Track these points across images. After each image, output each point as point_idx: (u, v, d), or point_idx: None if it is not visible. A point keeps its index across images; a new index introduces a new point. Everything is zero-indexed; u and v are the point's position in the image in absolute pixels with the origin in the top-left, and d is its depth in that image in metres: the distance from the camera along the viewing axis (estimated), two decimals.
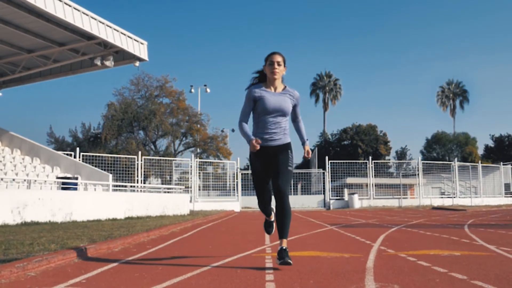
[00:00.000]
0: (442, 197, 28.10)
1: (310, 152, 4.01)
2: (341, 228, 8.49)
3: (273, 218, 4.20)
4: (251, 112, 3.93)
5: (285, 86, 3.98)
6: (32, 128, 63.88)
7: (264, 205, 4.07)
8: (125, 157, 22.99)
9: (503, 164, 32.27)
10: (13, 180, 13.10)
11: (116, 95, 35.48)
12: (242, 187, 24.60)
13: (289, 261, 3.50)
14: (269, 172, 3.86)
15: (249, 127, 3.92)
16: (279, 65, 3.89)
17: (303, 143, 4.07)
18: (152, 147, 35.97)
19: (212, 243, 5.84)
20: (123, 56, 15.49)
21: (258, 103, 3.86)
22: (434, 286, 2.82)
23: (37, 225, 8.68)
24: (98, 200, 11.94)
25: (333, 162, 26.13)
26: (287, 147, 3.89)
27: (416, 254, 4.38)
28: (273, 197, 3.89)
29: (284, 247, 3.60)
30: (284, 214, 3.65)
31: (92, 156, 19.90)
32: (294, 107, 3.99)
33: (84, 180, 14.62)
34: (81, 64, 16.36)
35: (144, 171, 21.86)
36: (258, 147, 3.66)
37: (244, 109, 3.92)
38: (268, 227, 4.34)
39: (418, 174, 27.36)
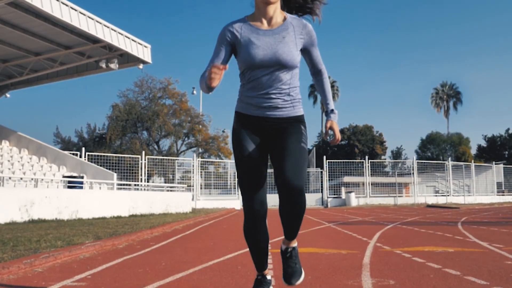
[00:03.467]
0: (436, 196, 28.09)
1: (337, 132, 2.26)
2: (338, 226, 8.48)
3: (269, 276, 2.47)
4: (228, 60, 2.24)
5: (285, 16, 2.22)
6: (39, 128, 63.97)
7: (254, 223, 2.36)
8: (129, 157, 22.99)
9: (495, 164, 32.27)
10: (21, 179, 13.10)
11: (120, 96, 35.55)
12: None
13: (298, 280, 2.28)
14: (265, 160, 2.28)
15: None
16: None
17: (326, 113, 2.33)
18: (155, 147, 35.98)
19: (214, 240, 5.83)
20: (127, 59, 15.49)
21: (239, 50, 2.17)
22: (428, 282, 2.82)
23: (44, 223, 8.68)
24: (103, 198, 11.93)
25: (331, 162, 26.13)
26: (297, 120, 2.23)
27: (411, 251, 4.38)
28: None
29: (293, 246, 2.35)
30: (296, 212, 2.15)
31: (97, 155, 19.89)
32: (307, 49, 2.25)
33: (90, 179, 14.62)
34: (87, 67, 16.37)
35: (147, 170, 21.85)
36: (220, 70, 2.01)
37: (211, 58, 2.22)
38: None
39: (413, 173, 27.35)
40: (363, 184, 26.54)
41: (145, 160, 21.17)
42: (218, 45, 2.22)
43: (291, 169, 2.09)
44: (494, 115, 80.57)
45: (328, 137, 2.30)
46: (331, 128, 2.26)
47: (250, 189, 2.23)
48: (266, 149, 2.26)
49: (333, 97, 54.03)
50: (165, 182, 24.07)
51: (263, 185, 2.27)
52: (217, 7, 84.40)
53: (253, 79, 2.19)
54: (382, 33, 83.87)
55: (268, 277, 2.42)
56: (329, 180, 25.95)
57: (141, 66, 15.51)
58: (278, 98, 2.19)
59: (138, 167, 21.14)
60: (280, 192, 2.11)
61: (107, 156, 20.54)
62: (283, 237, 2.39)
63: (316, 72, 2.34)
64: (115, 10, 76.29)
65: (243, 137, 2.23)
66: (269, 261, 3.76)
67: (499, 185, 31.67)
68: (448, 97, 55.97)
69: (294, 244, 2.36)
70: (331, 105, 2.32)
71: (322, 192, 25.90)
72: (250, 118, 2.24)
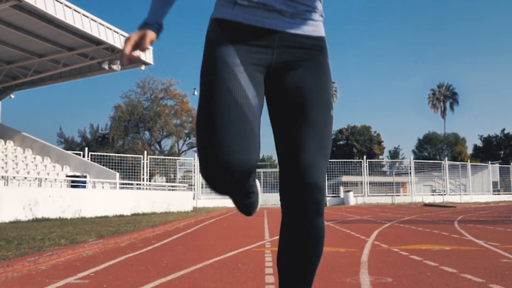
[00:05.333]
0: (433, 195, 28.10)
1: None
2: (337, 224, 8.48)
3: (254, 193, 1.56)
4: None
5: None
6: (43, 128, 63.98)
7: (222, 167, 1.11)
8: (132, 157, 23.00)
9: (491, 163, 32.27)
10: (25, 178, 13.10)
11: (123, 97, 35.67)
12: None
13: None
14: (259, 111, 1.23)
15: None
16: None
17: None
18: (157, 147, 36.01)
19: (214, 238, 5.83)
20: None
21: None
22: (425, 279, 2.82)
23: (48, 221, 8.68)
24: (106, 198, 11.93)
25: (329, 161, 26.05)
26: (322, 49, 1.32)
27: (409, 249, 4.38)
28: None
29: None
30: (314, 233, 1.23)
31: (100, 155, 19.89)
32: None
33: (93, 179, 14.62)
34: (90, 68, 16.37)
35: (149, 170, 21.86)
36: (129, 55, 1.23)
37: None
38: (245, 206, 1.60)
39: (410, 173, 27.34)
40: (361, 183, 26.54)
41: (147, 160, 21.18)
42: None
43: (314, 156, 1.20)
44: (490, 116, 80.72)
45: None
46: None
47: (225, 138, 1.11)
48: (263, 98, 1.27)
49: (332, 97, 53.98)
50: (167, 182, 24.07)
51: (254, 139, 1.16)
52: None
53: None
54: (380, 34, 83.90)
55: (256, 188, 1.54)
56: (327, 179, 25.96)
57: (143, 67, 15.52)
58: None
59: (140, 166, 21.14)
60: (290, 192, 1.20)
61: (109, 156, 20.54)
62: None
63: None
64: (117, 12, 76.30)
65: (229, 53, 1.20)
66: (268, 258, 3.77)
67: (494, 184, 31.67)
68: (445, 97, 56.00)
69: None
70: None
71: None
72: (243, 30, 1.23)
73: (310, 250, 1.25)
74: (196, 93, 36.71)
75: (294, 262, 1.26)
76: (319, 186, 1.19)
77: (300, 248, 1.24)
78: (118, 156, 21.56)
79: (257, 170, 28.32)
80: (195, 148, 36.41)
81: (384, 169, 35.22)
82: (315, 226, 1.22)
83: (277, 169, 27.08)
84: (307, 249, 1.24)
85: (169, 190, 17.48)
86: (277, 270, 1.33)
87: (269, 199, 24.39)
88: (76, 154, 18.12)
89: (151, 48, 15.36)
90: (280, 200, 1.24)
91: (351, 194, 25.31)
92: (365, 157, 28.44)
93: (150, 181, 22.84)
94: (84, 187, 12.77)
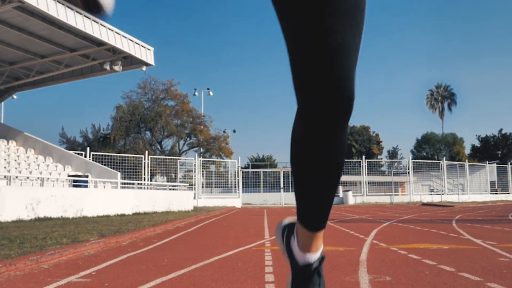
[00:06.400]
0: (431, 194, 28.10)
1: None
2: (336, 223, 8.48)
3: None
4: None
5: None
6: (45, 129, 64.05)
7: None
8: (133, 156, 23.00)
9: (488, 163, 32.28)
10: (27, 178, 13.10)
11: (124, 98, 35.70)
12: (243, 185, 24.58)
13: None
14: None
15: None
16: None
17: None
18: (158, 147, 36.01)
19: (215, 237, 5.83)
20: (131, 61, 15.50)
21: None
22: (424, 278, 2.82)
23: (50, 221, 8.68)
24: (107, 197, 11.93)
25: None
26: None
27: (407, 248, 4.38)
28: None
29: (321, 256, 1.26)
30: (334, 162, 1.20)
31: (102, 155, 19.89)
32: None
33: (94, 178, 14.61)
34: (91, 69, 16.38)
35: (150, 170, 21.86)
36: None
37: None
38: None
39: (408, 172, 27.35)
40: (360, 183, 26.54)
41: (148, 159, 21.17)
42: None
43: (352, 65, 1.03)
44: (488, 116, 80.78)
45: None
46: None
47: None
48: None
49: None
50: (168, 181, 24.06)
51: None
52: (218, 10, 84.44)
53: None
54: (379, 35, 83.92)
55: None
56: None
57: (144, 68, 15.53)
58: None
59: (141, 166, 21.15)
60: (319, 102, 1.02)
61: (111, 155, 20.54)
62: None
63: None
64: (119, 13, 76.27)
65: None
66: (268, 257, 3.76)
67: (492, 184, 31.70)
68: (443, 98, 56.04)
69: (321, 247, 1.24)
70: None
71: None
72: None
73: (338, 154, 1.14)
74: (196, 93, 36.70)
75: (323, 167, 1.14)
76: (353, 97, 1.02)
77: (330, 152, 1.12)
78: (119, 156, 21.54)
79: (257, 170, 28.57)
80: (196, 148, 36.47)
81: (383, 169, 35.23)
82: (345, 133, 1.09)
83: (277, 169, 27.04)
84: (336, 153, 1.13)
85: (170, 189, 17.47)
86: (294, 178, 1.19)
87: (269, 199, 24.39)
88: (78, 154, 18.12)
89: (152, 48, 15.36)
90: (302, 101, 1.04)
91: (350, 193, 25.30)
92: (364, 157, 28.44)
93: (151, 180, 22.83)
94: (86, 186, 12.77)
